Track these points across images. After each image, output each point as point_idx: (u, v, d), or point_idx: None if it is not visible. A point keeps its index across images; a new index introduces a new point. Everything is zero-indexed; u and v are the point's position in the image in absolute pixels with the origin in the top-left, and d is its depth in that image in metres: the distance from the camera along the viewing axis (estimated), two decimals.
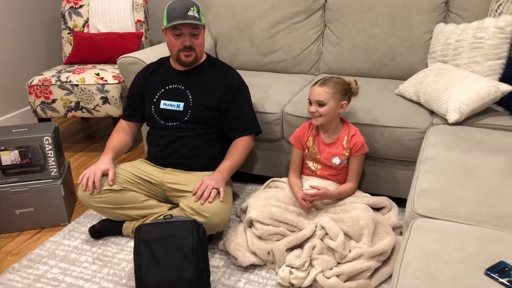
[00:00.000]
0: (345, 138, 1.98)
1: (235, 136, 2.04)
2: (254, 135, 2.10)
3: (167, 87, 2.04)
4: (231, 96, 2.01)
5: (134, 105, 2.13)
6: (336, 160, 2.00)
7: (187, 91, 2.01)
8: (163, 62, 2.12)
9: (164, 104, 2.02)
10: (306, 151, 2.06)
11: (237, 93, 2.03)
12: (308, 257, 1.70)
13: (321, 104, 1.91)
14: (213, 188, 1.79)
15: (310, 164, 2.07)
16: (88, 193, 1.87)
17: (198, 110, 1.99)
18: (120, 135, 2.10)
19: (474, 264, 1.08)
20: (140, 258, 1.58)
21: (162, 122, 2.03)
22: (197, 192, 1.79)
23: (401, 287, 1.05)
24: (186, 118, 2.00)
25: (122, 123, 2.16)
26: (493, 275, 1.03)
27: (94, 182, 1.86)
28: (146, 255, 1.58)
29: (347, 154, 1.98)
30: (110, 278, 1.80)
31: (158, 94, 2.04)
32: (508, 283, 1.00)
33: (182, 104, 2.00)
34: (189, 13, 1.87)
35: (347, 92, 1.94)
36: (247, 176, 2.51)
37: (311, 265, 1.71)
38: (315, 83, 1.96)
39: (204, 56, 2.10)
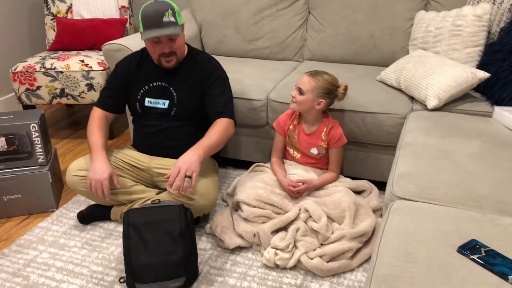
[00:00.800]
0: (324, 130, 2.02)
1: (213, 118, 1.97)
2: (233, 123, 2.00)
3: (150, 84, 2.01)
4: (209, 84, 1.98)
5: (117, 96, 2.06)
6: (314, 151, 2.05)
7: (171, 89, 1.99)
8: (145, 56, 2.04)
9: (149, 102, 2.01)
10: (287, 138, 2.11)
11: (215, 81, 1.99)
12: (292, 239, 1.76)
13: (301, 92, 1.95)
14: (185, 177, 1.70)
15: (291, 151, 2.14)
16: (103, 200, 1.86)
17: (182, 107, 1.99)
18: (102, 129, 1.98)
19: (447, 242, 1.14)
20: (129, 242, 1.62)
21: (147, 116, 2.03)
22: (170, 179, 1.72)
23: (379, 266, 1.11)
24: (171, 114, 2.00)
25: (100, 114, 2.03)
26: (464, 252, 1.09)
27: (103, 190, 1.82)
28: (135, 239, 1.62)
29: (325, 145, 2.03)
30: (100, 262, 1.83)
31: (142, 91, 2.02)
32: (478, 259, 1.07)
33: (167, 102, 2.00)
34: (164, 19, 1.80)
35: (331, 92, 1.95)
36: (233, 162, 2.56)
37: (295, 246, 1.77)
38: (308, 72, 2.00)
39: (186, 50, 2.04)
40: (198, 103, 2.00)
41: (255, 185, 1.94)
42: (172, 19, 1.83)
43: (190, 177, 1.71)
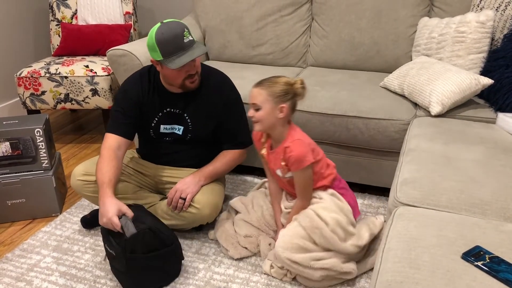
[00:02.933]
0: (283, 149, 1.72)
1: (226, 148, 2.00)
2: (246, 151, 2.03)
3: (164, 111, 1.92)
4: (226, 113, 1.95)
5: (132, 123, 1.89)
6: (279, 172, 1.78)
7: (185, 115, 1.92)
8: (153, 80, 1.92)
9: (165, 129, 1.95)
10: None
11: (231, 109, 1.95)
12: None
13: (257, 107, 1.68)
14: (180, 198, 1.79)
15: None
16: None
17: (197, 132, 1.95)
18: (113, 163, 1.77)
19: (451, 248, 1.14)
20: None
21: (159, 139, 1.99)
22: (168, 199, 1.84)
23: (383, 272, 1.11)
24: (186, 139, 1.97)
25: (114, 142, 1.83)
26: (469, 258, 1.09)
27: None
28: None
29: (284, 166, 1.74)
30: (103, 267, 1.83)
31: (157, 118, 1.93)
32: (482, 266, 1.06)
33: (182, 128, 1.94)
34: (185, 40, 1.70)
35: (287, 93, 1.67)
36: (237, 167, 2.55)
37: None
38: (254, 84, 1.72)
39: None
40: (213, 129, 1.97)
41: (255, 204, 1.95)
42: (191, 37, 1.74)
43: (184, 199, 1.80)
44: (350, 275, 1.70)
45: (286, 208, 1.87)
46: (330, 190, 1.80)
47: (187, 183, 1.82)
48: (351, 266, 1.69)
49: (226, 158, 1.96)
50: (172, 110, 1.93)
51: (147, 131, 1.97)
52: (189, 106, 1.93)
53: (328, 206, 1.72)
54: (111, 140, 1.83)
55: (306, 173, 1.72)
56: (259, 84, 1.69)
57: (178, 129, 1.95)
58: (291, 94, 1.68)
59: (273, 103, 1.66)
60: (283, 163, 1.73)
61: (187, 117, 1.93)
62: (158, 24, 1.72)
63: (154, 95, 1.92)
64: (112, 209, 1.61)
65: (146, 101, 1.91)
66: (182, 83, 1.83)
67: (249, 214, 1.93)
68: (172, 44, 1.69)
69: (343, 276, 1.69)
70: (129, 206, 1.72)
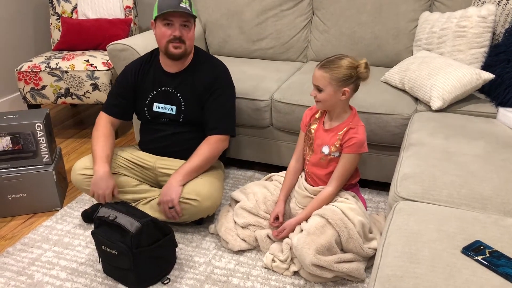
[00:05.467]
0: (344, 129, 1.75)
1: (206, 133, 1.98)
2: (225, 138, 1.99)
3: (158, 89, 2.00)
4: (212, 96, 1.97)
5: (125, 103, 2.04)
6: (325, 149, 1.79)
7: (178, 94, 1.98)
8: (152, 60, 2.04)
9: (157, 107, 2.01)
10: (306, 133, 1.90)
11: (215, 92, 1.96)
12: (289, 253, 1.75)
13: (319, 89, 1.71)
14: (169, 208, 1.83)
15: (306, 150, 1.90)
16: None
17: (190, 113, 1.99)
18: (108, 138, 1.96)
19: (451, 243, 1.14)
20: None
21: (155, 120, 2.04)
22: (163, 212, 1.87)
23: (383, 266, 1.11)
24: (180, 120, 2.00)
25: (106, 120, 2.02)
26: (469, 253, 1.09)
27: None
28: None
29: (337, 145, 1.76)
30: None
31: (150, 96, 2.01)
32: (482, 260, 1.07)
33: (174, 108, 1.99)
34: (181, 5, 1.83)
35: (351, 77, 1.67)
36: (238, 162, 2.56)
37: (292, 261, 1.76)
38: (319, 63, 1.73)
39: (192, 54, 2.01)
40: (201, 111, 2.00)
41: (254, 192, 1.95)
42: (188, 6, 1.85)
43: (173, 207, 1.83)
44: (362, 278, 1.71)
45: (304, 190, 1.86)
46: (352, 193, 1.83)
47: (167, 193, 1.83)
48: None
49: (203, 149, 1.93)
50: (165, 88, 2.00)
51: (143, 110, 2.04)
52: (181, 84, 1.98)
53: (355, 207, 1.73)
54: (105, 118, 2.03)
55: (356, 159, 1.76)
56: (323, 66, 1.69)
57: (171, 109, 1.99)
58: (354, 77, 1.68)
59: (336, 87, 1.67)
60: (337, 143, 1.75)
61: (179, 96, 1.98)
62: None
63: (149, 74, 2.02)
64: (109, 188, 1.83)
65: (141, 80, 2.02)
66: (167, 46, 1.89)
67: (248, 201, 1.93)
68: (167, 1, 1.82)
69: (355, 277, 1.70)
70: (116, 203, 1.78)
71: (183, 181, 1.86)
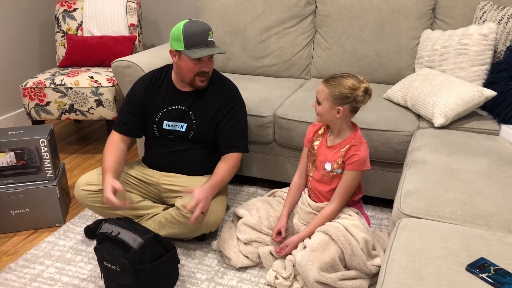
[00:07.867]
0: (346, 146, 1.76)
1: (222, 152, 2.00)
2: (242, 155, 2.02)
3: (169, 107, 1.99)
4: (224, 114, 1.98)
5: (135, 121, 2.02)
6: (328, 166, 1.79)
7: (190, 112, 1.98)
8: (163, 78, 2.03)
9: (167, 125, 2.00)
10: (309, 149, 1.91)
11: (230, 111, 1.99)
12: (293, 269, 1.74)
13: (318, 101, 1.74)
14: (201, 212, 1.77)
15: (309, 166, 1.91)
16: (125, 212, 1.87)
17: (200, 132, 1.99)
18: (115, 153, 1.94)
19: (456, 260, 1.14)
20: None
21: (163, 137, 2.03)
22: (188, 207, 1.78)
23: (387, 283, 1.11)
24: (189, 137, 2.00)
25: (116, 138, 2.00)
26: (473, 270, 1.09)
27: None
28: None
29: (340, 162, 1.76)
30: None
31: (161, 113, 2.00)
32: (487, 278, 1.06)
33: (185, 125, 1.99)
34: (209, 39, 1.83)
35: (347, 97, 1.67)
36: (241, 178, 2.56)
37: (295, 278, 1.75)
38: (326, 78, 1.76)
39: None
40: (214, 130, 2.01)
41: (257, 207, 1.95)
42: (213, 39, 1.87)
43: (203, 213, 1.78)
44: None
45: (307, 206, 1.87)
46: (355, 209, 1.83)
47: (206, 198, 1.78)
48: None
49: (229, 165, 1.95)
50: (177, 107, 1.99)
51: (151, 127, 2.03)
52: (195, 103, 1.99)
53: (358, 224, 1.73)
54: (115, 136, 2.01)
55: (358, 176, 1.77)
56: (326, 80, 1.73)
57: (181, 126, 2.00)
58: (351, 99, 1.68)
59: (331, 103, 1.70)
60: (339, 160, 1.76)
61: (191, 114, 1.98)
62: (186, 20, 1.86)
63: (160, 91, 2.01)
64: (107, 188, 1.76)
65: (151, 96, 2.01)
66: (193, 79, 1.91)
67: (250, 217, 1.92)
68: (197, 37, 1.81)
69: None
70: (119, 219, 1.77)
71: (213, 194, 1.86)
